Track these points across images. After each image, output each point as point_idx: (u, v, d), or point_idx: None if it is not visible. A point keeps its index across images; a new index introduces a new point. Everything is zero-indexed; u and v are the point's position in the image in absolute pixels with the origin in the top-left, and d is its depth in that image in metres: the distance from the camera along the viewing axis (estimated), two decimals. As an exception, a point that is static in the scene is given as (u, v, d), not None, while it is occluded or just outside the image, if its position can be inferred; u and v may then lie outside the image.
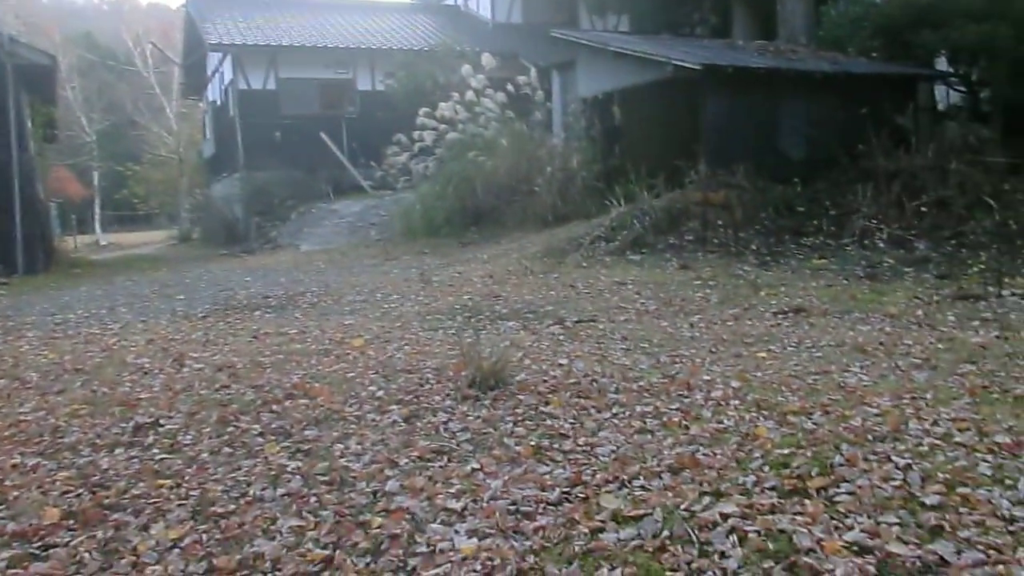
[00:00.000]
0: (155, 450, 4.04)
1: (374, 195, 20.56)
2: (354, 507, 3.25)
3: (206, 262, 17.30)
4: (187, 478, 3.64)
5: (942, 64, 15.17)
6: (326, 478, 3.55)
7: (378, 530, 3.01)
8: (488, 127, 17.02)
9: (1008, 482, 2.94)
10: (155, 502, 3.39)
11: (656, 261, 10.75)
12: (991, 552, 2.44)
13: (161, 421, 4.47)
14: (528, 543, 2.81)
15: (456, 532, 2.95)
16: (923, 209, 11.03)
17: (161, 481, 3.60)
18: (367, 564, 2.80)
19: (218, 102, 25.12)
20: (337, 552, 2.89)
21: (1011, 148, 12.02)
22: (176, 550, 2.97)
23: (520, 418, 4.21)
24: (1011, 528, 2.59)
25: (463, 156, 16.42)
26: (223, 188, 24.42)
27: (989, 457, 3.20)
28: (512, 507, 3.10)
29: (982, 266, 9.19)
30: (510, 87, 17.54)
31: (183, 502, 3.38)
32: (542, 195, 14.26)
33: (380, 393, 4.79)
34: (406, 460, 3.71)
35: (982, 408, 3.91)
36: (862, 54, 14.95)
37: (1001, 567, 2.35)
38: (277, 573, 2.78)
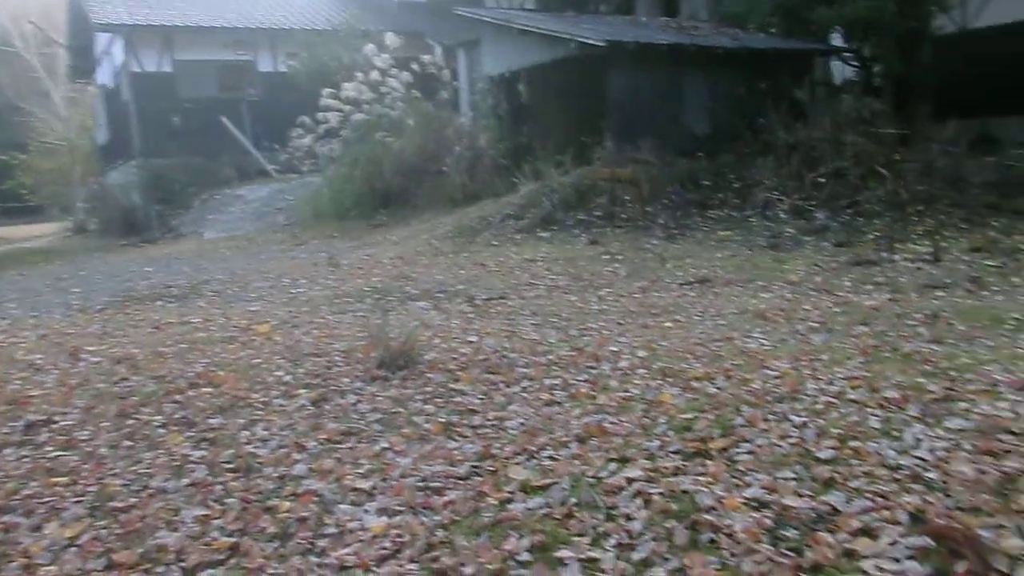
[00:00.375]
0: (48, 448, 3.88)
1: (280, 179, 20.09)
2: (261, 493, 3.20)
3: (104, 253, 16.60)
4: (84, 474, 3.51)
5: (837, 40, 15.69)
6: (232, 466, 3.48)
7: (286, 514, 2.97)
8: (394, 107, 16.83)
9: (895, 434, 3.08)
10: (49, 501, 3.27)
11: (566, 237, 10.84)
12: (878, 499, 2.56)
13: (55, 418, 4.29)
14: (438, 518, 2.81)
15: (366, 511, 2.93)
16: (821, 180, 11.41)
17: (55, 479, 3.47)
18: (275, 549, 2.77)
19: (110, 85, 24.01)
20: (244, 539, 2.84)
21: (901, 120, 12.57)
22: (72, 549, 2.87)
23: (430, 396, 4.20)
24: (897, 476, 2.72)
25: (370, 137, 16.20)
26: (120, 176, 23.40)
27: (879, 411, 3.34)
28: (422, 483, 3.10)
29: (876, 233, 9.57)
30: (416, 66, 17.37)
31: (79, 499, 3.27)
32: (451, 175, 14.18)
33: (287, 378, 4.70)
34: (314, 443, 3.66)
35: (873, 366, 4.08)
36: (761, 30, 15.31)
37: (887, 512, 2.47)
38: (181, 564, 2.72)
